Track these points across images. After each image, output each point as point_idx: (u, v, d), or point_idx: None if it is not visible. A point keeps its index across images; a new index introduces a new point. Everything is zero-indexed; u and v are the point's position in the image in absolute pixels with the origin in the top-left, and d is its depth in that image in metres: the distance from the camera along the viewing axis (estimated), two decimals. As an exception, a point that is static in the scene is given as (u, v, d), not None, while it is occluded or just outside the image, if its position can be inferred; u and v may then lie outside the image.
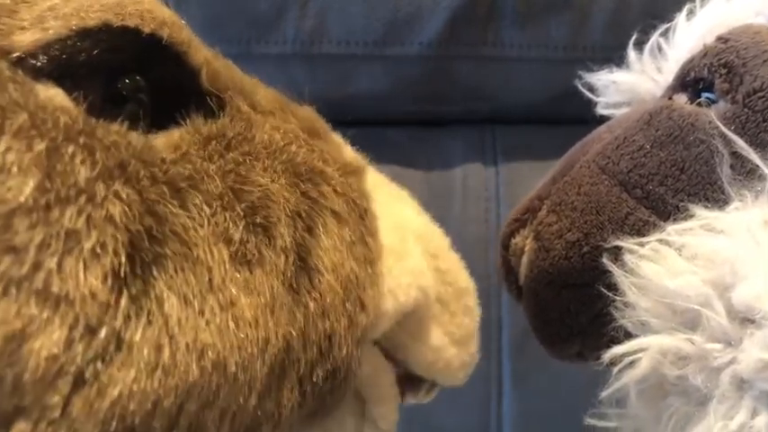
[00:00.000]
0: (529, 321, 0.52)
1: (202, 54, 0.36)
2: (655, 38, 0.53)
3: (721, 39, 0.45)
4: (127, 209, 0.29)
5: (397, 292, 0.40)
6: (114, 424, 0.27)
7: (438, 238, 0.46)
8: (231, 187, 0.34)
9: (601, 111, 0.56)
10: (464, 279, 0.46)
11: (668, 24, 0.53)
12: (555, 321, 0.49)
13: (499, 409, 0.82)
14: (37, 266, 0.26)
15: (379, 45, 0.81)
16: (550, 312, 0.49)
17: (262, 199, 0.35)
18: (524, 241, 0.50)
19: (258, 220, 0.34)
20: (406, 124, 0.87)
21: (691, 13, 0.51)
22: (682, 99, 0.46)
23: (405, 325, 0.42)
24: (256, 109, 0.38)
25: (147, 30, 0.33)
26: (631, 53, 0.54)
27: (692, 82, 0.46)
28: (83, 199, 0.28)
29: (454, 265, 0.45)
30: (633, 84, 0.54)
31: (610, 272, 0.40)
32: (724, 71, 0.44)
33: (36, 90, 0.29)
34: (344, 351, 0.36)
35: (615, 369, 0.38)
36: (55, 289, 0.27)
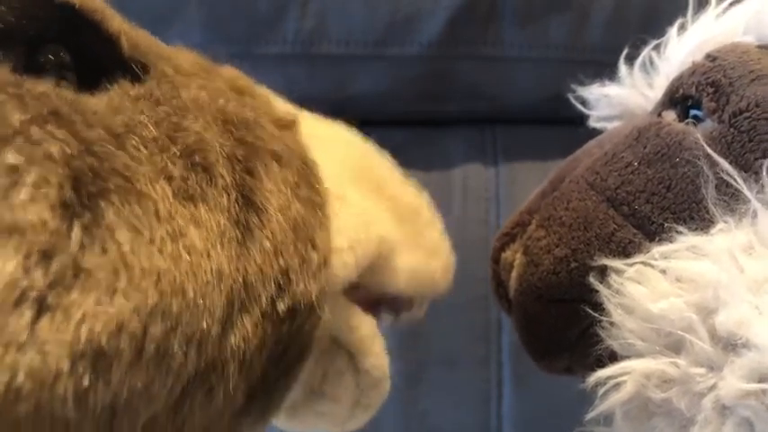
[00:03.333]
0: (518, 335, 0.52)
1: (118, 22, 0.37)
2: (646, 52, 0.53)
3: (709, 57, 0.45)
4: (66, 147, 0.30)
5: (349, 232, 0.41)
6: (83, 345, 0.29)
7: (378, 167, 0.47)
8: (165, 133, 0.35)
9: (592, 124, 0.56)
10: (412, 196, 0.48)
11: (660, 40, 0.52)
12: (543, 336, 0.49)
13: (499, 410, 0.82)
14: None
15: (379, 45, 0.81)
16: (539, 327, 0.49)
17: (197, 143, 0.36)
18: (514, 255, 0.50)
19: (196, 160, 0.35)
20: (406, 124, 0.87)
21: (682, 28, 0.51)
22: (671, 116, 0.46)
23: (376, 266, 0.43)
24: (180, 72, 0.39)
25: None
26: (622, 67, 0.54)
27: (680, 99, 0.46)
28: (19, 139, 0.29)
29: (399, 187, 0.47)
30: (624, 98, 0.53)
31: (595, 294, 0.40)
32: (711, 90, 0.43)
33: None
34: (301, 286, 0.38)
35: (600, 391, 0.38)
36: (5, 219, 0.28)
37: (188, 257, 0.33)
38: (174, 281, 0.32)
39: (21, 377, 0.27)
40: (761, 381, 0.33)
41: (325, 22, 0.80)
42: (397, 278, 0.45)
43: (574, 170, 0.48)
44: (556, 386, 0.79)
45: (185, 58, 0.41)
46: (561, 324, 0.47)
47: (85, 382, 0.29)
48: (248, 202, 0.37)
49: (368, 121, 0.86)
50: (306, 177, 0.40)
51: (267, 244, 0.37)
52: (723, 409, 0.35)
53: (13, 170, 0.28)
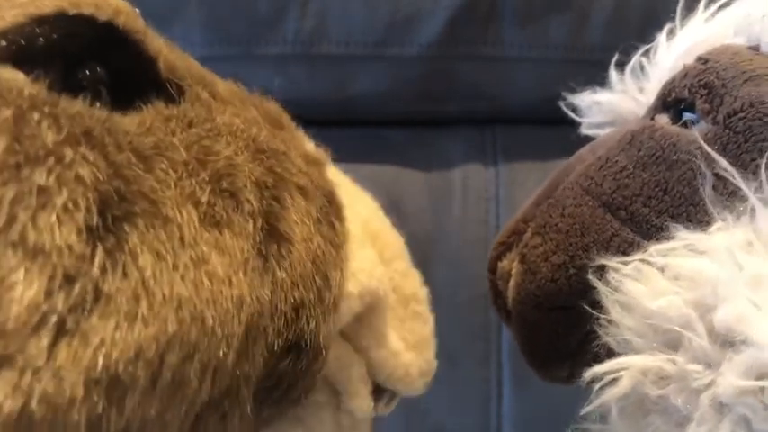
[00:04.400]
0: (518, 345, 0.52)
1: (158, 43, 0.37)
2: (636, 58, 0.53)
3: (701, 59, 0.45)
4: (95, 170, 0.30)
5: (361, 277, 0.40)
6: (99, 372, 0.28)
7: (391, 244, 0.46)
8: (195, 157, 0.35)
9: (584, 131, 0.56)
10: (411, 286, 0.46)
11: (649, 45, 0.52)
12: (544, 344, 0.49)
13: (499, 410, 0.82)
14: (12, 220, 0.27)
15: (379, 45, 0.81)
16: (539, 335, 0.49)
17: (226, 167, 0.36)
18: (511, 264, 0.50)
19: (224, 186, 0.35)
20: (406, 124, 0.87)
21: (671, 32, 0.51)
22: (663, 119, 0.46)
23: (366, 322, 0.42)
24: (216, 97, 0.39)
25: (102, 17, 0.34)
26: (613, 73, 0.54)
27: (673, 102, 0.46)
28: (51, 160, 0.29)
29: (400, 272, 0.46)
30: (615, 104, 0.53)
31: (595, 292, 0.40)
32: (704, 92, 0.43)
33: None
34: (312, 324, 0.37)
35: (596, 386, 0.38)
36: (31, 241, 0.28)
37: (209, 285, 0.32)
38: (195, 308, 0.31)
39: (35, 402, 0.27)
40: (759, 378, 0.33)
41: (325, 22, 0.80)
42: (381, 351, 0.43)
43: (567, 177, 0.48)
44: (556, 386, 0.79)
45: (223, 85, 0.41)
46: (561, 331, 0.47)
47: (99, 410, 0.28)
48: (273, 230, 0.37)
49: (368, 121, 0.87)
50: (327, 215, 0.40)
51: (285, 276, 0.36)
52: (720, 407, 0.35)
53: (44, 192, 0.28)
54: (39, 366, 0.27)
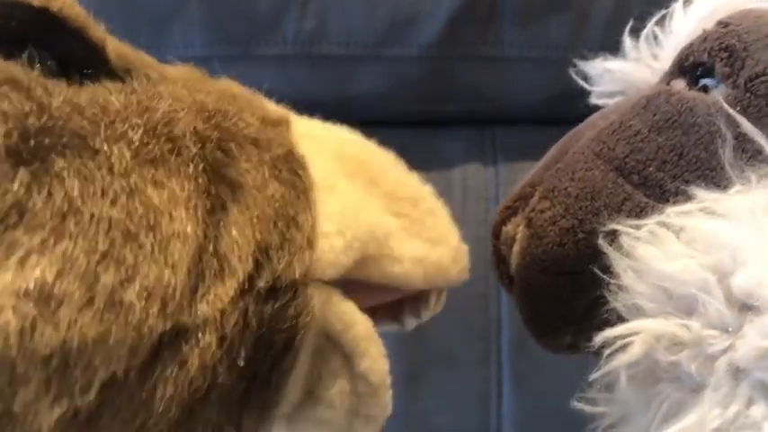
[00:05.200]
0: (520, 312, 0.51)
1: (102, 32, 0.38)
2: (651, 25, 0.52)
3: (722, 23, 0.45)
4: (19, 105, 0.31)
5: (336, 218, 0.41)
6: (25, 282, 0.29)
7: (374, 163, 0.47)
8: (131, 110, 0.36)
9: (594, 100, 0.56)
10: (412, 188, 0.48)
11: (664, 12, 0.52)
12: (548, 310, 0.48)
13: (499, 409, 0.82)
14: None
15: (379, 46, 0.81)
16: (543, 301, 0.48)
17: (163, 118, 0.37)
18: (516, 229, 0.49)
19: (159, 131, 0.36)
20: (406, 124, 0.87)
21: (687, 0, 0.51)
22: (679, 84, 0.46)
23: (373, 255, 0.43)
24: (166, 77, 0.41)
25: (36, 3, 0.35)
26: (627, 40, 0.54)
27: (690, 67, 0.45)
28: None
29: (397, 180, 0.47)
30: (628, 72, 0.53)
31: (605, 257, 0.40)
32: (725, 55, 0.43)
33: None
34: (282, 265, 0.38)
35: (606, 352, 0.38)
36: None
37: (145, 212, 0.33)
38: (128, 231, 0.32)
39: None
40: (780, 341, 0.33)
41: (325, 22, 0.81)
42: (399, 267, 0.44)
43: (578, 142, 0.48)
44: (555, 385, 0.79)
45: (176, 69, 0.42)
46: (566, 297, 0.47)
47: (29, 321, 0.29)
48: (219, 175, 0.37)
49: (368, 121, 0.86)
50: (288, 163, 0.41)
51: (241, 218, 0.37)
52: (737, 372, 0.34)
53: None
54: None
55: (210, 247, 0.35)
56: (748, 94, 0.41)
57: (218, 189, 0.37)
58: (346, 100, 0.84)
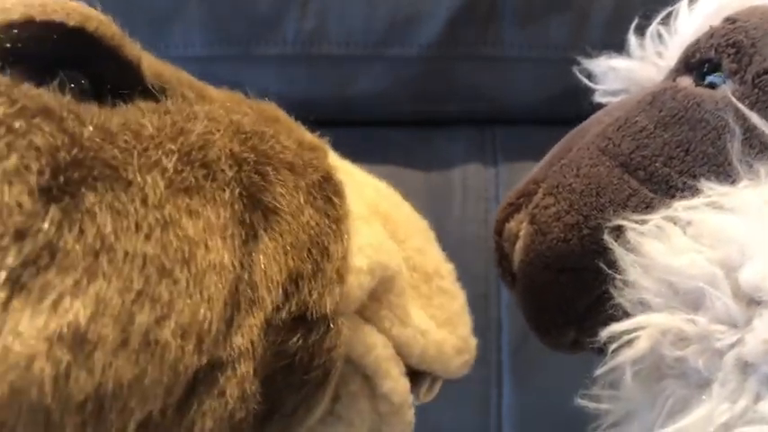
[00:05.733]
0: (522, 309, 0.51)
1: (138, 50, 0.37)
2: (655, 24, 0.52)
3: (729, 20, 0.45)
4: (51, 139, 0.30)
5: (368, 252, 0.39)
6: (60, 327, 0.28)
7: (404, 224, 0.45)
8: (165, 133, 0.35)
9: (599, 98, 0.56)
10: (431, 262, 0.45)
11: (669, 10, 0.52)
12: (551, 307, 0.48)
13: (499, 409, 0.82)
14: None
15: (379, 46, 0.81)
16: (546, 298, 0.48)
17: (198, 141, 0.35)
18: (519, 226, 0.49)
19: (194, 156, 0.35)
20: (406, 124, 0.87)
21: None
22: (686, 81, 0.46)
23: (384, 300, 0.41)
24: (204, 98, 0.39)
25: (71, 23, 0.34)
26: (632, 38, 0.54)
27: (696, 64, 0.45)
28: (2, 129, 0.29)
29: (417, 249, 0.45)
30: (632, 70, 0.53)
31: (610, 253, 0.40)
32: (732, 51, 0.43)
33: None
34: (314, 295, 0.37)
35: (612, 347, 0.37)
36: None
37: (179, 245, 0.32)
38: (163, 267, 0.31)
39: None
40: (789, 336, 0.33)
41: (325, 22, 0.81)
42: (406, 330, 0.42)
43: (582, 139, 0.48)
44: (555, 385, 0.79)
45: (215, 90, 0.41)
46: (570, 294, 0.46)
47: (64, 367, 0.28)
48: (256, 200, 0.36)
49: (368, 121, 0.87)
50: (323, 190, 0.39)
51: (274, 245, 0.36)
52: (745, 366, 0.34)
53: None
54: None
55: (246, 277, 0.34)
56: (756, 90, 0.41)
57: (254, 215, 0.36)
58: (346, 100, 0.84)
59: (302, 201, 0.38)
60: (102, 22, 0.35)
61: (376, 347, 0.41)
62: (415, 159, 0.85)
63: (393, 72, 0.83)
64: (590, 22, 0.80)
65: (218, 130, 0.37)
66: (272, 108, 0.43)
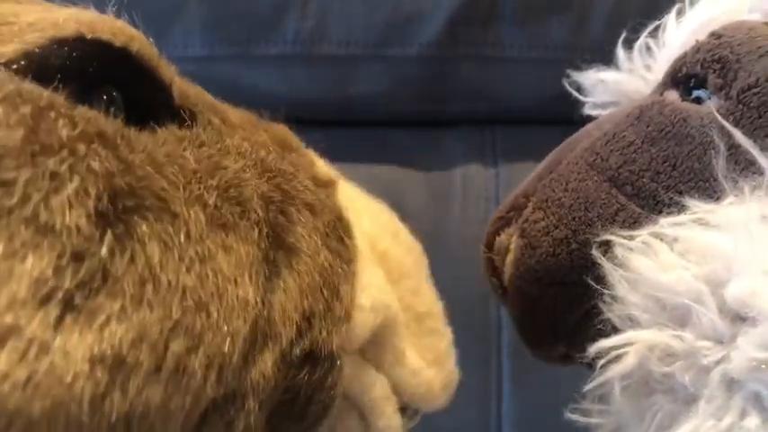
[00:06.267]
0: (514, 322, 0.51)
1: (171, 72, 0.38)
2: (644, 36, 0.52)
3: (714, 34, 0.44)
4: (107, 165, 0.31)
5: (372, 291, 0.41)
6: (104, 350, 0.29)
7: (399, 263, 0.46)
8: (204, 168, 0.36)
9: (588, 111, 0.56)
10: (424, 303, 0.46)
11: (657, 23, 0.52)
12: (541, 321, 0.48)
13: (499, 409, 0.82)
14: (25, 199, 0.28)
15: (379, 46, 0.81)
16: (536, 312, 0.48)
17: (234, 179, 0.37)
18: (509, 239, 0.49)
19: (231, 194, 0.36)
20: (406, 124, 0.87)
21: (680, 12, 0.51)
22: (673, 96, 0.45)
23: (383, 341, 0.42)
24: (226, 123, 0.41)
25: (117, 43, 0.35)
26: (620, 52, 0.54)
27: (683, 78, 0.45)
28: (65, 152, 0.30)
29: (411, 290, 0.46)
30: (621, 83, 0.53)
31: (598, 268, 0.40)
32: (717, 66, 0.43)
33: (18, 80, 0.31)
34: (324, 333, 0.38)
35: (600, 363, 0.38)
36: (42, 219, 0.28)
37: (215, 280, 0.33)
38: (200, 299, 0.32)
39: (40, 374, 0.27)
40: (774, 353, 0.33)
41: (325, 22, 0.81)
42: (401, 371, 0.43)
43: (571, 152, 0.48)
44: (555, 385, 0.79)
45: (233, 112, 0.43)
46: (560, 308, 0.46)
47: (102, 388, 0.29)
48: (279, 240, 0.38)
49: (368, 121, 0.87)
50: (336, 230, 0.41)
51: (293, 284, 0.37)
52: (731, 384, 0.34)
53: (56, 177, 0.29)
54: (45, 339, 0.28)
55: (266, 313, 0.36)
56: (741, 106, 0.41)
57: (277, 255, 0.37)
58: (346, 100, 0.84)
59: (320, 243, 0.39)
60: (143, 43, 0.36)
61: (374, 387, 0.42)
62: (415, 159, 0.85)
63: (393, 72, 0.83)
64: (590, 23, 0.80)
65: (249, 168, 0.38)
66: (284, 133, 0.45)
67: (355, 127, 0.85)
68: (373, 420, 0.42)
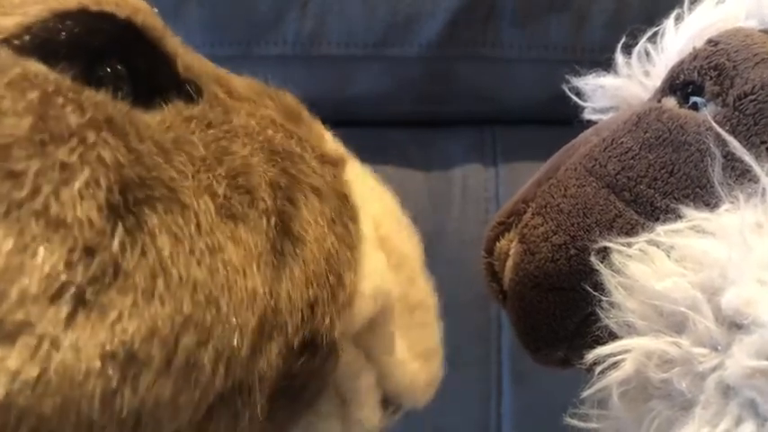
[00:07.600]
0: (513, 326, 0.51)
1: (176, 43, 0.38)
2: (643, 42, 0.53)
3: (711, 42, 0.45)
4: (117, 154, 0.30)
5: (374, 279, 0.40)
6: (115, 346, 0.28)
7: (399, 249, 0.45)
8: (213, 154, 0.35)
9: (588, 116, 0.56)
10: (418, 294, 0.45)
11: (657, 28, 0.52)
12: (540, 326, 0.48)
13: (499, 408, 0.82)
14: (35, 191, 0.28)
15: (378, 46, 0.81)
16: (536, 317, 0.48)
17: (242, 166, 0.36)
18: (509, 244, 0.50)
19: (240, 182, 0.35)
20: (406, 125, 0.87)
21: (678, 18, 0.51)
22: (670, 102, 0.46)
23: (377, 328, 0.42)
24: (232, 95, 0.40)
25: (122, 15, 0.34)
26: (619, 57, 0.54)
27: (680, 85, 0.45)
28: (75, 140, 0.29)
29: (407, 279, 0.45)
30: (620, 88, 0.53)
31: (597, 274, 0.40)
32: (714, 74, 0.43)
33: (23, 60, 0.31)
34: (327, 321, 0.37)
35: (598, 369, 0.38)
36: (53, 213, 0.28)
37: (225, 272, 0.33)
38: (210, 293, 0.32)
39: (52, 371, 0.27)
40: (768, 359, 0.33)
41: (324, 22, 0.81)
42: (389, 360, 0.42)
43: (570, 158, 0.48)
44: (555, 385, 0.79)
45: (239, 81, 0.42)
46: (559, 313, 0.47)
47: (114, 384, 0.28)
48: (286, 228, 0.37)
49: (368, 121, 0.86)
50: (342, 216, 0.40)
51: (299, 272, 0.37)
52: (727, 390, 0.34)
53: (66, 168, 0.29)
54: (57, 335, 0.27)
55: (273, 304, 0.35)
56: (737, 113, 0.41)
57: (284, 243, 0.37)
58: (346, 100, 0.84)
59: (326, 229, 0.39)
60: (148, 14, 0.36)
61: (360, 375, 0.42)
62: (415, 160, 0.85)
63: (393, 72, 0.83)
64: (590, 23, 0.80)
65: (256, 152, 0.38)
66: (293, 103, 0.44)
67: (355, 127, 0.85)
68: (354, 410, 0.42)
